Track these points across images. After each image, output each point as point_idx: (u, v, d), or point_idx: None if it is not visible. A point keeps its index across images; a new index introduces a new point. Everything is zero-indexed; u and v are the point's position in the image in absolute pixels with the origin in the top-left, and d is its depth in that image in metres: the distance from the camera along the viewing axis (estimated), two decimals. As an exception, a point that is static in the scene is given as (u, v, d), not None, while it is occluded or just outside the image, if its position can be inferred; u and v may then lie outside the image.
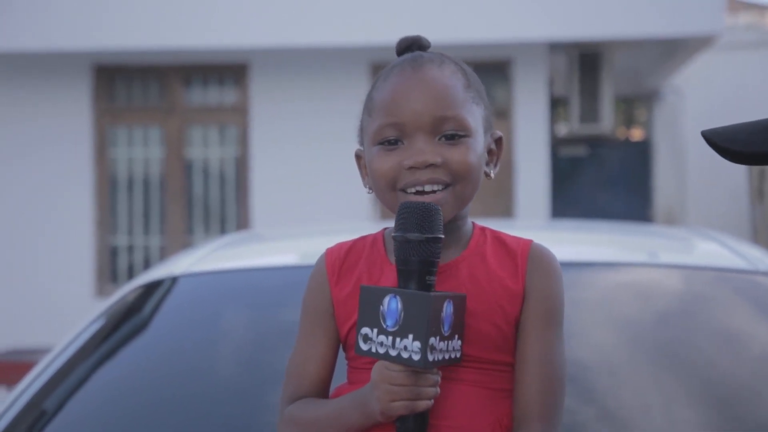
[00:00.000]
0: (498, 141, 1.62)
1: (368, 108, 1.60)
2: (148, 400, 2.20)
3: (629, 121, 15.34)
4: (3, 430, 2.13)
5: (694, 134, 11.96)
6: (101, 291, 9.28)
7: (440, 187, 1.52)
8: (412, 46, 1.61)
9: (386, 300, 1.44)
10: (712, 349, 2.26)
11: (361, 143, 1.63)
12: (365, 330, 1.45)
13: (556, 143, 11.21)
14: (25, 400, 2.22)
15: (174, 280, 2.57)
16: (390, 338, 1.43)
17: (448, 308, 1.43)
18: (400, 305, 1.43)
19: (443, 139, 1.52)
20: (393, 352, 1.42)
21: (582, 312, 2.33)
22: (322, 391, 1.58)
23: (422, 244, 1.44)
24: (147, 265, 9.29)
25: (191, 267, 2.63)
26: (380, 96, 1.57)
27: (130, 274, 9.35)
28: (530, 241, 1.58)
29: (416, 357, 1.40)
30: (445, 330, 1.43)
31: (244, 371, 2.26)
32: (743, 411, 2.10)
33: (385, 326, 1.43)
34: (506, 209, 9.24)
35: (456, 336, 1.45)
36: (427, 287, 1.45)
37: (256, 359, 2.30)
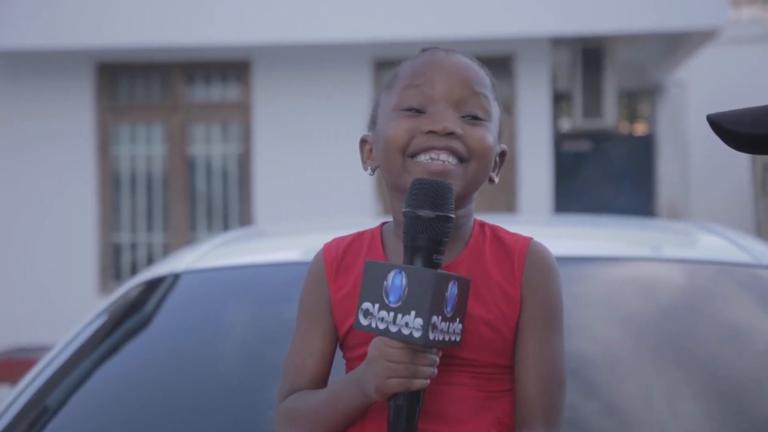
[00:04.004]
0: (502, 154, 1.60)
1: (390, 84, 1.58)
2: (150, 397, 2.20)
3: (632, 116, 15.32)
4: (5, 427, 2.13)
5: (697, 128, 11.95)
6: (104, 288, 9.28)
7: (455, 161, 1.50)
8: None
9: (391, 275, 1.41)
10: (715, 343, 2.26)
11: (371, 126, 1.60)
12: (366, 305, 1.42)
13: (559, 138, 11.20)
14: (28, 397, 2.22)
15: (176, 276, 2.56)
16: (391, 314, 1.40)
17: (452, 289, 1.41)
18: (404, 281, 1.40)
19: (466, 118, 1.51)
20: (393, 329, 1.40)
21: (586, 307, 2.32)
22: (320, 387, 1.55)
23: (432, 222, 1.42)
24: (150, 262, 9.29)
25: (194, 263, 2.63)
26: (409, 69, 1.56)
27: (133, 271, 9.35)
28: (528, 241, 1.55)
29: (417, 334, 1.38)
30: (448, 311, 1.41)
31: (247, 367, 2.26)
32: (747, 404, 2.10)
33: (387, 302, 1.41)
34: (509, 204, 9.23)
35: (457, 319, 1.43)
36: (434, 266, 1.43)
37: (258, 355, 2.29)
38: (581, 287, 2.39)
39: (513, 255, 1.53)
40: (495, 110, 1.56)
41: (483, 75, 1.56)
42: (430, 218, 1.42)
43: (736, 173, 12.34)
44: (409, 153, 1.51)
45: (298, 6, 8.86)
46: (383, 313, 1.41)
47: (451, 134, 1.49)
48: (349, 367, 1.55)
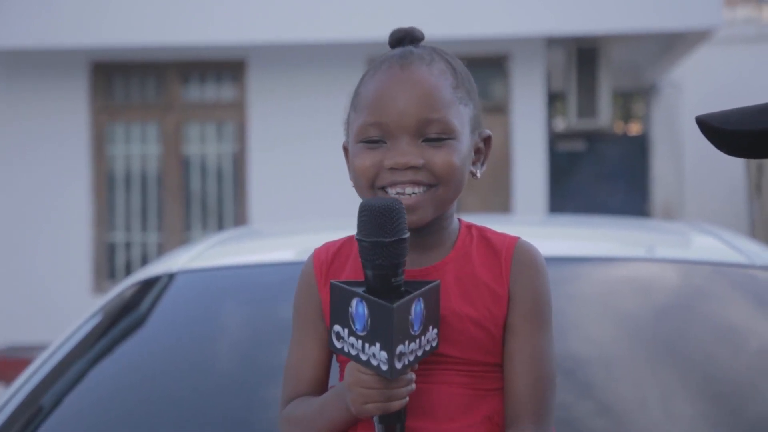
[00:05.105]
0: (486, 140, 1.59)
1: (354, 103, 1.56)
2: (145, 397, 2.20)
3: (627, 116, 15.34)
4: (0, 426, 2.13)
5: (692, 128, 11.93)
6: (99, 288, 9.27)
7: (421, 190, 1.49)
8: (404, 38, 1.58)
9: (354, 303, 1.39)
10: (709, 344, 2.26)
11: (347, 137, 1.60)
12: (337, 328, 1.42)
13: (554, 138, 11.21)
14: (22, 397, 2.22)
15: (171, 276, 2.56)
16: (360, 342, 1.39)
17: (417, 308, 1.39)
18: (366, 311, 1.38)
19: (427, 141, 1.49)
20: (363, 357, 1.39)
21: (580, 307, 2.33)
22: (320, 391, 1.57)
23: (386, 247, 1.39)
24: (145, 261, 9.29)
25: (188, 263, 2.63)
26: (366, 93, 1.53)
27: (128, 270, 9.34)
28: (515, 240, 1.55)
29: (384, 367, 1.37)
30: (416, 329, 1.39)
31: (242, 367, 2.26)
32: (740, 404, 2.10)
33: (354, 329, 1.40)
34: (504, 204, 9.23)
35: (430, 327, 1.42)
36: (394, 289, 1.40)
37: (253, 355, 2.29)
38: (576, 288, 2.39)
39: (500, 254, 1.53)
40: (463, 112, 1.53)
41: (442, 83, 1.52)
42: (384, 245, 1.38)
43: (730, 174, 12.37)
44: (377, 186, 1.51)
45: (293, 6, 8.86)
46: (353, 340, 1.40)
47: (412, 167, 1.48)
48: (342, 371, 1.55)
